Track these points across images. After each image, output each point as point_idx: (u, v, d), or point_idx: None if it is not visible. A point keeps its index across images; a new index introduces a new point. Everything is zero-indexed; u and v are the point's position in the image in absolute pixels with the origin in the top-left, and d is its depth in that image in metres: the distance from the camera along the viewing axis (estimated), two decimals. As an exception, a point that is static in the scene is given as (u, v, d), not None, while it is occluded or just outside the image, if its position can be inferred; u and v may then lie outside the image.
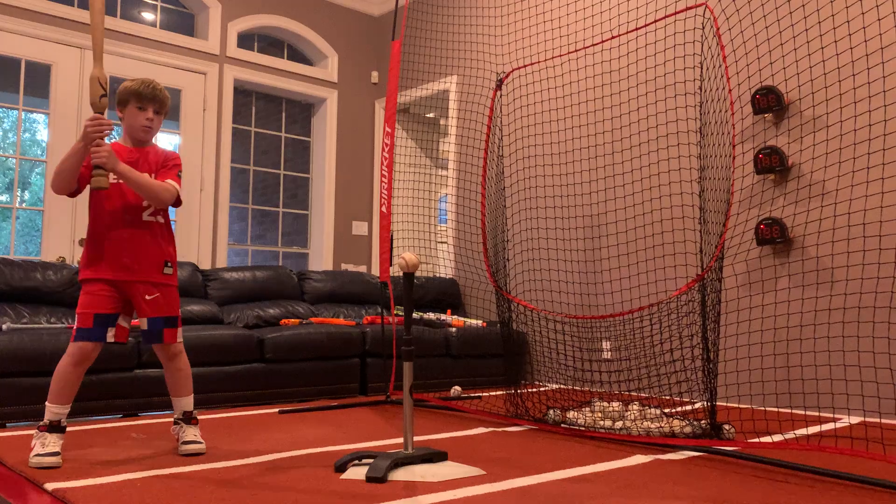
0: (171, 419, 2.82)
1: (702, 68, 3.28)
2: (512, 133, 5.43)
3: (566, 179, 5.06)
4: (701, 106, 3.27)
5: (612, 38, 3.70)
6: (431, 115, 6.73)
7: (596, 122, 4.90)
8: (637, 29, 3.61)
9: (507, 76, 4.05)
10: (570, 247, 4.96)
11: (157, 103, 2.71)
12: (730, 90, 3.11)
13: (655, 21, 3.47)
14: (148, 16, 5.87)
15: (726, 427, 2.94)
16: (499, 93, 3.88)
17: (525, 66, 4.29)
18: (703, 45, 3.36)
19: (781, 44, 4.01)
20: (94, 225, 2.64)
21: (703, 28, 3.36)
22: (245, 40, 6.28)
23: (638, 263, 4.52)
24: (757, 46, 4.11)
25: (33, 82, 5.25)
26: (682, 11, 3.35)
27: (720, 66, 3.15)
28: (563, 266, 4.94)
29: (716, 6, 4.22)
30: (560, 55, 4.04)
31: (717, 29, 3.12)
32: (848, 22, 3.75)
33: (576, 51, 3.96)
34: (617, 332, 4.43)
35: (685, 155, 4.28)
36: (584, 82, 4.96)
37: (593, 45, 3.78)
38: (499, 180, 3.89)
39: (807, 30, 3.88)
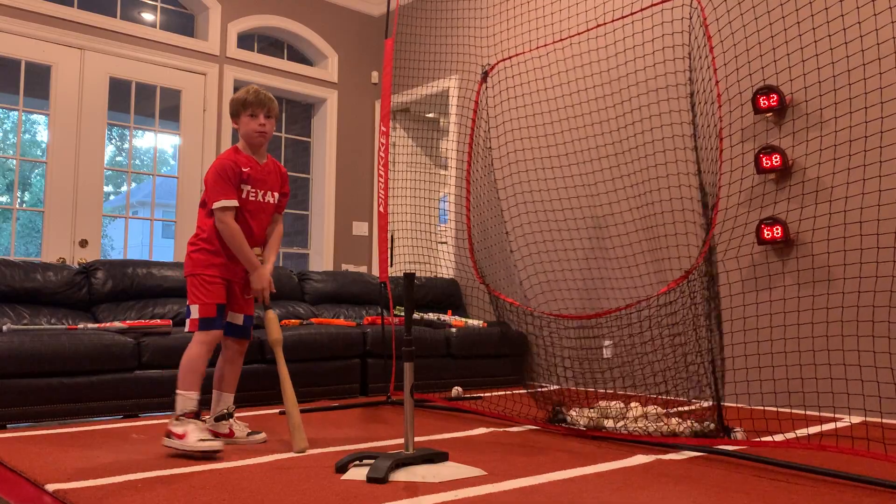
0: (170, 419, 2.81)
1: (690, 59, 3.24)
2: (501, 125, 5.40)
3: (558, 173, 5.04)
4: (691, 97, 3.23)
5: (598, 26, 3.65)
6: (431, 115, 6.73)
7: (583, 114, 4.86)
8: (623, 17, 3.57)
9: (492, 68, 4.01)
10: (568, 237, 4.95)
11: (265, 107, 2.81)
12: (716, 82, 3.07)
13: (642, 10, 3.45)
14: (148, 16, 5.87)
15: (738, 430, 2.91)
16: (484, 85, 3.84)
17: (510, 58, 4.24)
18: (690, 35, 3.31)
19: (786, 42, 4.00)
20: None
21: (691, 18, 3.32)
22: (245, 41, 6.28)
23: (636, 255, 4.51)
24: (759, 44, 4.11)
25: (33, 83, 5.24)
26: (668, 1, 3.32)
27: (707, 56, 3.11)
28: (561, 260, 4.93)
29: (715, 3, 4.22)
30: (546, 45, 4.00)
31: (705, 20, 3.08)
32: (856, 19, 3.74)
33: (561, 40, 3.90)
34: (615, 331, 4.41)
35: (681, 147, 4.24)
36: (573, 72, 4.92)
37: (578, 33, 3.74)
38: (488, 173, 3.85)
39: (809, 25, 3.88)
